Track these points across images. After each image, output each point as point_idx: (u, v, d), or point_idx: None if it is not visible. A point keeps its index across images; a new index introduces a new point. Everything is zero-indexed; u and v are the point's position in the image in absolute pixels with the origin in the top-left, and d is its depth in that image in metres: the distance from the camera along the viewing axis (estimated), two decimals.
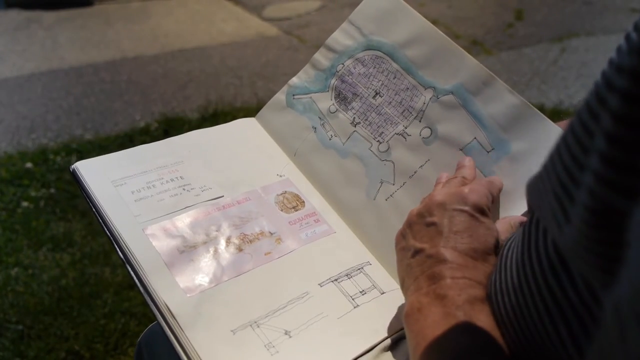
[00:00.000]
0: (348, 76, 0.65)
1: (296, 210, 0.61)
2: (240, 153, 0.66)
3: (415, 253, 0.45)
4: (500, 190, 0.52)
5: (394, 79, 0.62)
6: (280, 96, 0.69)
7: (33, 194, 1.89)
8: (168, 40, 3.45)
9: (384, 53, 0.64)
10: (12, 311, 1.41)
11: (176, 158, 0.63)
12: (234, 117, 0.71)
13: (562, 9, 3.87)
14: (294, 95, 0.68)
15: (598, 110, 0.26)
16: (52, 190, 1.91)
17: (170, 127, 2.33)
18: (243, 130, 0.69)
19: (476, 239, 0.44)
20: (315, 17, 3.92)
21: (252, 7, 4.13)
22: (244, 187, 0.62)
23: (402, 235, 0.49)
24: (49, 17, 3.83)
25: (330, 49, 0.67)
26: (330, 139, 0.64)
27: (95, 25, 3.72)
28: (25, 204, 1.84)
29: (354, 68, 0.65)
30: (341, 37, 0.67)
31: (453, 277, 0.41)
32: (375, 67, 0.64)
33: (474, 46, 3.29)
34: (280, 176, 0.64)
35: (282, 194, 0.62)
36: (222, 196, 0.60)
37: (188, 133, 0.67)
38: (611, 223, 0.25)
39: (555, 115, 2.34)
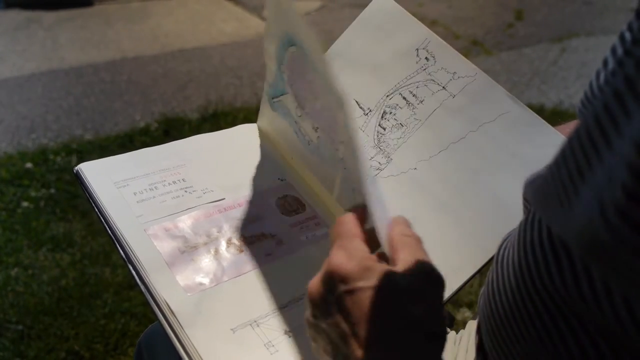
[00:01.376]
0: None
1: (297, 214, 0.61)
2: (242, 157, 0.66)
3: None
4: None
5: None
6: (265, 98, 0.64)
7: (33, 194, 1.89)
8: (168, 40, 3.45)
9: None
10: (12, 311, 1.41)
11: (179, 161, 0.63)
12: (234, 117, 0.70)
13: (562, 9, 3.88)
14: (272, 97, 0.62)
15: (618, 114, 0.26)
16: (52, 191, 1.91)
17: (170, 127, 2.33)
18: (245, 135, 0.70)
19: (375, 320, 0.33)
20: (315, 17, 3.92)
21: (252, 7, 4.13)
22: (245, 191, 0.62)
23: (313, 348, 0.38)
24: (49, 17, 3.83)
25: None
26: (308, 144, 0.58)
27: (95, 25, 3.72)
28: (25, 204, 1.84)
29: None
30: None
31: None
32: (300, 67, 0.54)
33: (474, 46, 3.29)
34: (282, 180, 0.64)
35: (283, 197, 0.62)
36: (224, 199, 0.60)
37: (191, 137, 0.67)
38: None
39: (555, 115, 2.34)
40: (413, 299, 0.33)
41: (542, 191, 0.33)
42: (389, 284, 0.33)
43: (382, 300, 0.33)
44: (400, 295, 0.33)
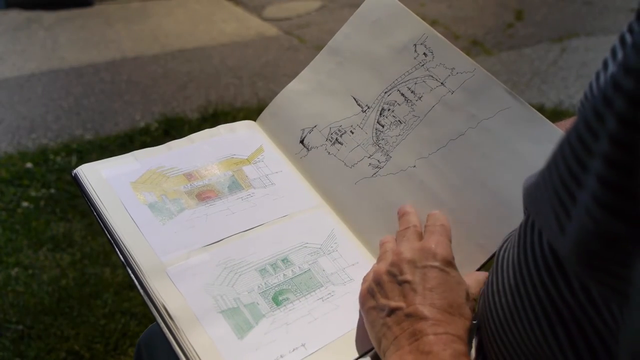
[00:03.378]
0: None
1: None
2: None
3: (390, 312, 0.44)
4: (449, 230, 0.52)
5: None
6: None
7: (33, 194, 1.89)
8: (168, 40, 3.45)
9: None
10: (12, 311, 1.41)
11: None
12: (234, 117, 0.70)
13: (562, 9, 3.87)
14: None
15: (603, 111, 0.26)
16: (52, 190, 1.91)
17: (170, 127, 2.33)
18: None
19: (450, 294, 0.44)
20: (315, 17, 3.92)
21: (252, 7, 4.13)
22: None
23: (369, 294, 0.47)
24: (49, 17, 3.83)
25: None
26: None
27: (95, 25, 3.72)
28: (25, 204, 1.84)
29: None
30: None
31: (435, 333, 0.41)
32: None
33: (474, 46, 3.29)
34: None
35: None
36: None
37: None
38: (614, 231, 0.25)
39: (555, 115, 2.34)
40: (469, 299, 0.45)
41: (535, 197, 0.33)
42: (461, 283, 0.46)
43: (457, 288, 0.45)
44: (465, 293, 0.45)
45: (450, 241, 0.50)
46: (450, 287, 0.44)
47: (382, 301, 0.45)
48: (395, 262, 0.47)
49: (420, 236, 0.51)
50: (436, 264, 0.45)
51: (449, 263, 0.46)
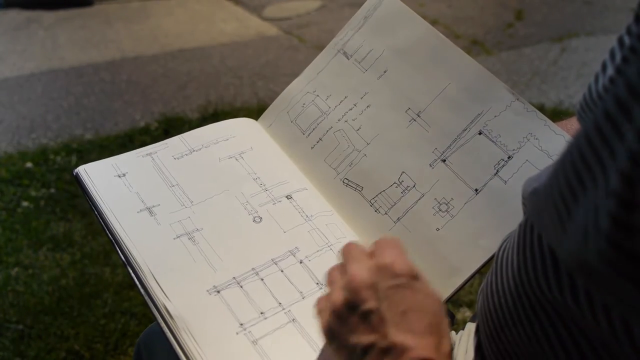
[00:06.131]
0: None
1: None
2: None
3: (364, 351, 0.37)
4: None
5: None
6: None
7: (33, 194, 1.89)
8: (168, 40, 3.45)
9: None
10: (12, 311, 1.41)
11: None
12: (234, 117, 0.70)
13: (562, 9, 3.87)
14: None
15: (621, 122, 0.24)
16: (52, 190, 1.91)
17: (170, 127, 2.33)
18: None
19: (425, 312, 0.37)
20: (315, 17, 3.92)
21: (252, 7, 4.13)
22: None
23: (331, 334, 0.39)
24: (49, 17, 3.83)
25: None
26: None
27: (95, 25, 3.72)
28: (25, 204, 1.84)
29: None
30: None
31: None
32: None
33: (474, 46, 3.29)
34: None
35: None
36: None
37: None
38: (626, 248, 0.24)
39: (555, 115, 2.34)
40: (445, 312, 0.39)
41: (538, 204, 0.32)
42: (433, 295, 0.39)
43: (431, 303, 0.38)
44: (441, 306, 0.39)
45: (404, 252, 0.41)
46: (423, 304, 0.37)
47: (350, 339, 0.38)
48: (352, 289, 0.38)
49: (369, 254, 0.41)
50: (400, 281, 0.38)
51: (414, 276, 0.39)
